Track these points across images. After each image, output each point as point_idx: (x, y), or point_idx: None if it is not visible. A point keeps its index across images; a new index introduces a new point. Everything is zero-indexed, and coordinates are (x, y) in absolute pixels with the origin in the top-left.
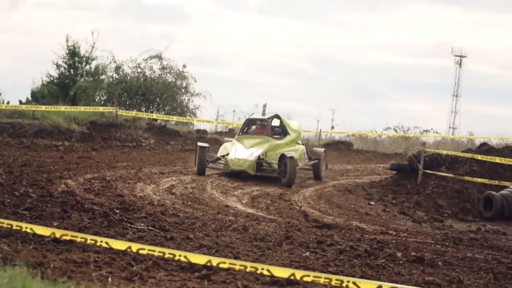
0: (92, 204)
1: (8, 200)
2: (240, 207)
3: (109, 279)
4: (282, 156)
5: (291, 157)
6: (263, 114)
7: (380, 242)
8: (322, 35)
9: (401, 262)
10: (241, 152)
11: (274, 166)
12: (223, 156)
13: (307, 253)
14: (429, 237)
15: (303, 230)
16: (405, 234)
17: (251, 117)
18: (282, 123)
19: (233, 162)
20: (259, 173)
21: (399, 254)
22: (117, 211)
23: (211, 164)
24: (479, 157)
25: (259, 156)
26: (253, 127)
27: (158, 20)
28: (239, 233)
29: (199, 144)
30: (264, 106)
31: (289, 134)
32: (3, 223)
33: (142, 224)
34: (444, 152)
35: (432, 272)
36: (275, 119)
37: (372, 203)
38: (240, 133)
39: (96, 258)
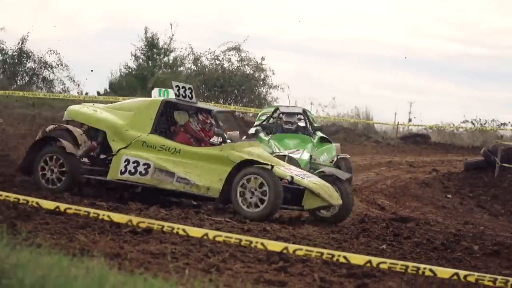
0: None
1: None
2: None
3: (186, 271)
4: None
5: None
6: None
7: (456, 235)
8: None
9: (478, 256)
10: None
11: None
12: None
13: (384, 246)
14: (506, 231)
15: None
16: (482, 227)
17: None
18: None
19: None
20: None
21: (476, 247)
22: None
23: None
24: None
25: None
26: None
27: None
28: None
29: None
30: None
31: None
32: (80, 210)
33: (219, 216)
34: None
35: (509, 266)
36: None
37: (449, 196)
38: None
39: (173, 250)
